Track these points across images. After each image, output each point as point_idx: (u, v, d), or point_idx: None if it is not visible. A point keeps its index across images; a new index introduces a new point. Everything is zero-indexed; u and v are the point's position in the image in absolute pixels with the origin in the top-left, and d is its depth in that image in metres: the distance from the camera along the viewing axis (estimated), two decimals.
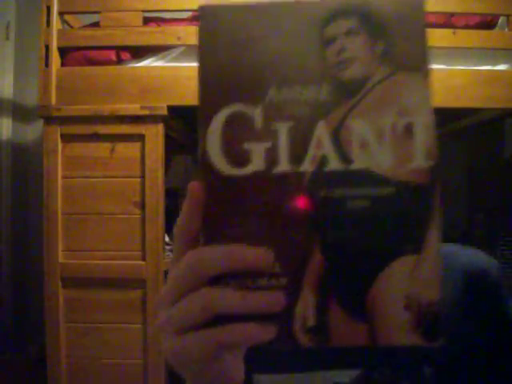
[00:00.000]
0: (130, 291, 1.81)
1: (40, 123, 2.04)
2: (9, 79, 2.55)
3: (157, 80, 1.80)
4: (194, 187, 0.32)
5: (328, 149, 0.31)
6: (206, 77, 0.32)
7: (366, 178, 0.31)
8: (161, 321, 0.34)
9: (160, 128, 1.83)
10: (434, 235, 0.31)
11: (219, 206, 0.32)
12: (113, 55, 1.86)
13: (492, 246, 2.07)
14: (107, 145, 1.83)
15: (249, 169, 0.31)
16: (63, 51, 1.87)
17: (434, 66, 1.83)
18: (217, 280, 0.31)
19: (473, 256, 0.60)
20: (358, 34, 0.32)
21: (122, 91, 1.81)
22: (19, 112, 2.57)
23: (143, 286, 1.81)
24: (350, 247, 0.31)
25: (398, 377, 0.52)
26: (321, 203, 0.31)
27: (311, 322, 0.31)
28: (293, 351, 0.38)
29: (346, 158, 0.31)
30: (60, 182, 1.83)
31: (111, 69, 1.85)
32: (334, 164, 0.31)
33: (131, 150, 1.83)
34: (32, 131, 2.62)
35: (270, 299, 0.31)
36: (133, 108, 1.81)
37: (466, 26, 1.86)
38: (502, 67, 1.83)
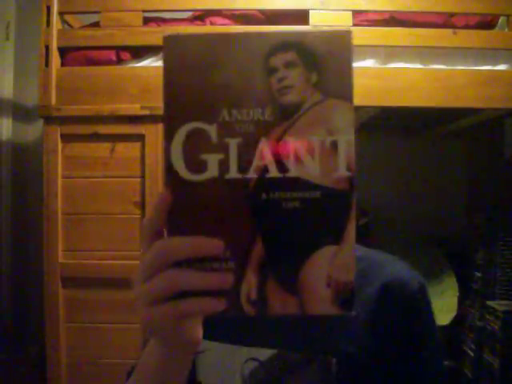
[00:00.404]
0: (130, 291, 1.81)
1: (40, 123, 2.04)
2: (9, 79, 2.55)
3: (157, 80, 1.80)
4: (164, 191, 0.39)
5: (269, 160, 0.38)
6: (169, 98, 0.39)
7: (298, 184, 0.38)
8: (135, 295, 0.43)
9: (160, 128, 1.83)
10: (350, 230, 0.39)
11: (181, 204, 0.39)
12: (113, 55, 1.86)
13: (492, 246, 2.07)
14: (107, 145, 1.83)
15: (205, 175, 0.39)
16: (63, 51, 1.87)
17: (434, 66, 1.83)
18: (179, 264, 0.39)
19: (396, 268, 0.65)
20: (296, 66, 0.38)
21: (122, 91, 1.82)
22: (19, 112, 2.57)
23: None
24: (284, 238, 0.39)
25: (308, 362, 0.60)
26: (262, 203, 0.39)
27: (254, 296, 0.39)
28: (237, 319, 0.51)
29: (283, 167, 0.38)
30: (60, 181, 1.83)
31: (111, 69, 1.85)
32: (274, 172, 0.38)
33: (131, 150, 1.83)
34: (32, 131, 2.61)
35: (222, 278, 0.39)
36: (133, 108, 1.81)
37: (466, 26, 1.86)
38: (502, 67, 1.83)
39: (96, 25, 1.91)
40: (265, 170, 0.38)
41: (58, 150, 1.83)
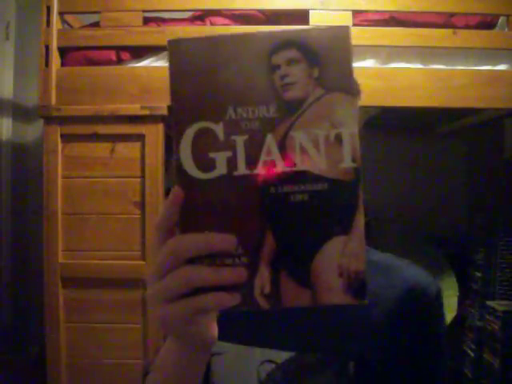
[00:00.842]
0: (130, 291, 1.81)
1: (40, 123, 2.04)
2: (9, 79, 2.55)
3: (157, 80, 1.80)
4: (176, 190, 0.40)
5: (276, 155, 0.39)
6: (176, 100, 0.40)
7: (306, 177, 0.39)
8: (148, 294, 0.42)
9: (160, 128, 1.83)
10: (359, 220, 0.39)
11: (192, 202, 0.40)
12: (113, 55, 1.86)
13: (492, 246, 2.07)
14: (107, 145, 1.83)
15: (214, 173, 0.39)
16: (63, 51, 1.87)
17: (435, 66, 1.83)
18: (192, 261, 0.39)
19: (415, 273, 0.65)
20: (298, 62, 0.39)
21: (122, 91, 1.81)
22: (19, 112, 2.57)
23: (143, 286, 1.81)
24: (295, 231, 0.40)
25: (325, 364, 0.60)
26: (271, 198, 0.39)
27: (267, 290, 0.40)
28: (254, 321, 0.53)
29: (290, 162, 0.39)
30: (60, 181, 1.83)
31: (111, 69, 1.85)
32: (281, 167, 0.39)
33: (131, 150, 1.83)
34: (32, 131, 2.62)
35: (235, 273, 0.39)
36: (133, 108, 1.81)
37: (466, 26, 1.86)
38: (502, 67, 1.83)
39: (96, 25, 1.91)
40: (272, 165, 0.39)
41: (58, 149, 1.83)
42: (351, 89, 0.39)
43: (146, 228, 1.81)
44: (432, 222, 2.44)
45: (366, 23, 1.86)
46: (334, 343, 0.62)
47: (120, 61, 1.87)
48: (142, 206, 1.82)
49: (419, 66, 1.83)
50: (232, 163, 0.39)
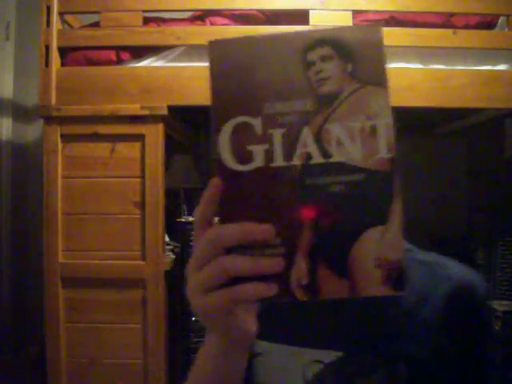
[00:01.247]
0: (130, 291, 1.81)
1: (40, 123, 2.05)
2: (9, 79, 2.55)
3: (157, 80, 1.80)
4: (213, 181, 0.41)
5: (312, 147, 0.40)
6: (216, 97, 0.42)
7: (342, 168, 0.40)
8: (189, 285, 0.43)
9: (160, 128, 1.83)
10: (396, 209, 0.40)
11: (231, 193, 0.41)
12: (113, 55, 1.86)
13: (492, 246, 2.07)
14: (107, 145, 1.83)
15: (252, 165, 0.41)
16: (63, 51, 1.87)
17: (434, 66, 1.83)
18: (230, 251, 0.40)
19: (463, 271, 0.64)
20: (332, 59, 0.41)
21: (122, 91, 1.81)
22: (19, 112, 2.57)
23: (143, 285, 1.81)
24: (332, 222, 0.40)
25: (375, 365, 0.59)
26: (308, 189, 0.40)
27: (304, 281, 0.40)
28: (301, 320, 0.53)
29: (326, 153, 0.40)
30: (60, 181, 1.83)
31: (111, 69, 1.85)
32: (317, 158, 0.40)
33: (131, 150, 1.83)
34: (32, 131, 2.62)
35: (273, 263, 0.39)
36: (133, 108, 1.81)
37: (466, 26, 1.86)
38: (502, 67, 1.83)
39: (96, 25, 1.91)
40: (309, 156, 0.40)
41: (58, 149, 1.83)
42: (384, 82, 0.40)
43: (146, 228, 1.81)
44: (432, 222, 2.44)
45: (366, 23, 1.86)
46: (383, 343, 0.60)
47: (120, 61, 1.87)
48: (142, 206, 1.82)
49: (419, 65, 1.83)
50: (269, 155, 0.40)
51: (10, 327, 2.42)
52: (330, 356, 0.61)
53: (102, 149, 1.84)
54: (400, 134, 0.41)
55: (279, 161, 0.40)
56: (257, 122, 0.41)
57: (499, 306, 1.89)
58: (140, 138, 1.83)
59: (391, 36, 1.79)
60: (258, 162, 0.40)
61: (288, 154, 0.40)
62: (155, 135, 1.82)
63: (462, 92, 1.78)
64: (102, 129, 1.83)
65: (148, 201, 1.81)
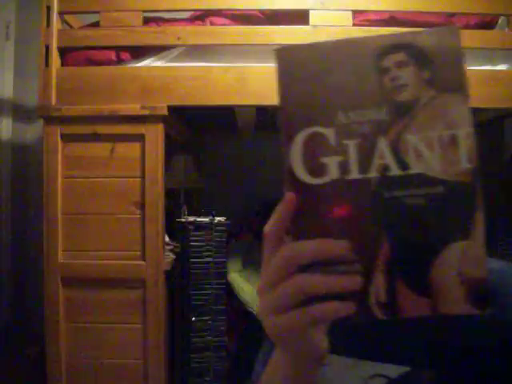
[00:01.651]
0: (130, 291, 1.81)
1: (40, 123, 2.04)
2: (9, 79, 2.55)
3: (157, 80, 1.80)
4: (288, 195, 0.39)
5: (389, 158, 0.39)
6: (286, 106, 0.40)
7: (421, 180, 0.38)
8: (261, 306, 0.41)
9: (160, 128, 1.83)
10: (479, 224, 0.38)
11: (304, 208, 0.39)
12: (113, 55, 1.86)
13: (492, 246, 2.07)
14: (107, 145, 1.83)
15: (326, 178, 0.39)
16: (63, 51, 1.87)
17: None
18: (304, 269, 0.39)
19: None
20: (408, 65, 0.39)
21: (122, 91, 1.81)
22: (19, 112, 2.57)
23: (143, 285, 1.81)
24: (411, 237, 0.38)
25: (444, 382, 0.55)
26: (386, 202, 0.38)
27: (383, 299, 0.38)
28: (364, 331, 0.50)
29: (403, 165, 0.38)
30: (60, 181, 1.83)
31: (111, 69, 1.85)
32: (394, 170, 0.38)
33: (131, 150, 1.83)
34: (32, 131, 2.62)
35: (350, 281, 0.38)
36: (133, 108, 1.81)
37: (466, 26, 1.86)
38: (501, 67, 1.83)
39: (96, 25, 1.91)
40: (385, 168, 0.38)
41: (58, 149, 1.83)
42: (464, 88, 0.38)
43: (146, 228, 1.81)
44: None
45: (366, 23, 1.86)
46: (453, 359, 0.55)
47: (120, 61, 1.87)
48: (142, 206, 1.82)
49: None
50: (344, 168, 0.39)
51: (10, 327, 2.42)
52: (394, 370, 0.57)
53: (101, 149, 1.84)
54: None
55: (355, 173, 0.39)
56: (330, 133, 0.39)
57: None
58: (140, 138, 1.83)
59: None
60: (333, 174, 0.39)
61: (364, 166, 0.38)
62: (155, 135, 1.82)
63: None
64: (102, 129, 1.83)
65: (148, 201, 1.81)
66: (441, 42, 0.39)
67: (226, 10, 1.90)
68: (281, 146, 0.40)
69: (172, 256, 2.02)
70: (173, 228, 2.09)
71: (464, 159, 0.38)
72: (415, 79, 0.39)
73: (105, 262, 1.82)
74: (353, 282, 0.38)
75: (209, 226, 1.98)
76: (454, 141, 0.38)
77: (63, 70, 1.85)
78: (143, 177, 1.82)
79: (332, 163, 0.39)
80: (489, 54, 1.82)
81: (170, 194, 2.03)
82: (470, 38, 1.80)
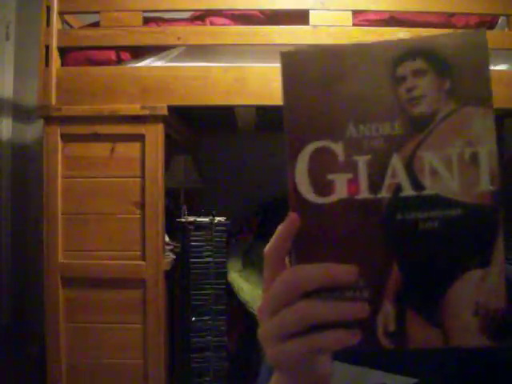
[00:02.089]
0: (130, 291, 1.81)
1: (40, 123, 2.05)
2: (9, 79, 2.55)
3: (157, 80, 1.80)
4: (291, 215, 0.36)
5: (402, 178, 0.35)
6: (291, 116, 0.36)
7: (436, 201, 0.35)
8: (262, 332, 0.39)
9: (160, 128, 1.83)
10: (499, 251, 0.34)
11: (309, 230, 0.36)
12: (113, 55, 1.86)
13: None
14: (107, 145, 1.83)
15: (333, 197, 0.36)
16: (63, 51, 1.87)
17: None
18: (309, 294, 0.36)
19: None
20: (426, 74, 0.35)
21: (122, 91, 1.82)
22: (19, 112, 2.57)
23: (143, 285, 1.81)
24: (424, 263, 0.35)
25: None
26: (398, 225, 0.35)
27: (392, 328, 0.36)
28: (377, 352, 0.44)
29: (418, 185, 0.35)
30: (60, 181, 1.83)
31: (111, 69, 1.85)
32: (408, 191, 0.35)
33: (131, 150, 1.83)
34: (32, 131, 2.62)
35: (357, 308, 0.36)
36: (133, 108, 1.81)
37: (466, 26, 1.86)
38: (501, 67, 1.83)
39: (96, 25, 1.91)
40: (398, 188, 0.35)
41: (58, 149, 1.83)
42: (488, 102, 0.35)
43: (146, 228, 1.81)
44: None
45: (366, 23, 1.86)
46: (461, 371, 0.53)
47: (120, 61, 1.87)
48: (142, 206, 1.82)
49: None
50: (353, 186, 0.35)
51: (10, 327, 2.42)
52: (402, 382, 0.55)
53: (101, 149, 1.84)
54: None
55: (365, 193, 0.35)
56: (338, 147, 0.36)
57: None
58: (140, 138, 1.83)
59: (391, 36, 1.79)
60: (341, 193, 0.35)
61: (375, 185, 0.35)
62: (155, 135, 1.82)
63: None
64: (102, 129, 1.83)
65: (148, 201, 1.81)
66: (465, 49, 0.35)
67: (226, 10, 1.90)
68: (285, 160, 0.37)
69: (172, 256, 2.02)
70: (173, 228, 2.09)
71: (485, 180, 0.35)
72: (434, 90, 0.35)
73: (105, 262, 1.82)
74: (360, 309, 0.36)
75: (209, 226, 1.98)
76: (474, 159, 0.35)
77: (63, 70, 1.85)
78: (143, 177, 1.82)
79: (340, 181, 0.36)
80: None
81: (170, 194, 2.03)
82: None
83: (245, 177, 2.73)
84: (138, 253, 1.82)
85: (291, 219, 0.36)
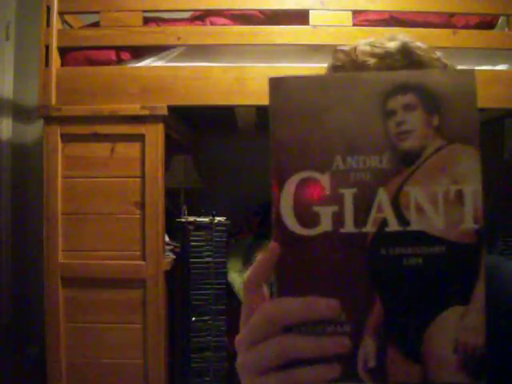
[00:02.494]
0: (130, 291, 1.81)
1: (40, 123, 2.05)
2: (9, 79, 2.55)
3: (157, 80, 1.80)
4: (271, 245, 0.36)
5: (388, 212, 0.35)
6: (277, 145, 0.36)
7: (421, 238, 0.35)
8: (240, 363, 0.39)
9: (160, 128, 1.83)
10: (480, 288, 0.35)
11: (292, 262, 0.36)
12: (113, 55, 1.86)
13: (492, 246, 2.07)
14: (107, 145, 1.83)
15: (318, 229, 0.35)
16: (63, 51, 1.87)
17: None
18: (290, 327, 0.36)
19: None
20: (416, 109, 0.35)
21: (122, 91, 1.82)
22: (19, 112, 2.57)
23: (143, 285, 1.81)
24: (406, 298, 0.35)
25: None
26: (382, 261, 0.35)
27: (372, 363, 0.35)
28: None
29: (403, 220, 0.35)
30: (60, 181, 1.83)
31: (111, 69, 1.85)
32: (393, 226, 0.35)
33: (131, 150, 1.83)
34: (32, 131, 2.62)
35: (338, 343, 0.35)
36: (133, 108, 1.81)
37: (466, 26, 1.86)
38: (501, 67, 1.83)
39: (96, 25, 1.91)
40: (383, 223, 0.35)
41: (58, 149, 1.83)
42: (475, 140, 0.35)
43: (146, 228, 1.81)
44: None
45: (366, 23, 1.86)
46: None
47: (120, 61, 1.87)
48: (142, 206, 1.82)
49: None
50: (338, 219, 0.35)
51: (10, 327, 2.42)
52: None
53: (102, 149, 1.84)
54: None
55: (350, 226, 0.35)
56: (325, 179, 0.35)
57: None
58: (140, 137, 1.83)
59: (391, 36, 1.79)
60: (325, 226, 0.35)
61: (360, 219, 0.35)
62: (155, 135, 1.82)
63: None
64: (102, 129, 1.83)
65: (148, 201, 1.81)
66: (454, 87, 0.35)
67: (226, 10, 1.90)
68: (270, 190, 0.36)
69: (172, 256, 2.03)
70: (173, 228, 2.09)
71: (469, 219, 0.35)
72: (422, 125, 0.35)
73: (105, 262, 1.82)
74: (341, 344, 0.35)
75: (209, 226, 1.98)
76: (459, 197, 0.35)
77: (63, 70, 1.85)
78: (143, 177, 1.82)
79: (325, 213, 0.35)
80: (489, 53, 1.82)
81: (170, 194, 2.03)
82: (470, 38, 1.80)
83: (245, 177, 2.73)
84: (138, 253, 1.82)
85: (271, 249, 0.36)
